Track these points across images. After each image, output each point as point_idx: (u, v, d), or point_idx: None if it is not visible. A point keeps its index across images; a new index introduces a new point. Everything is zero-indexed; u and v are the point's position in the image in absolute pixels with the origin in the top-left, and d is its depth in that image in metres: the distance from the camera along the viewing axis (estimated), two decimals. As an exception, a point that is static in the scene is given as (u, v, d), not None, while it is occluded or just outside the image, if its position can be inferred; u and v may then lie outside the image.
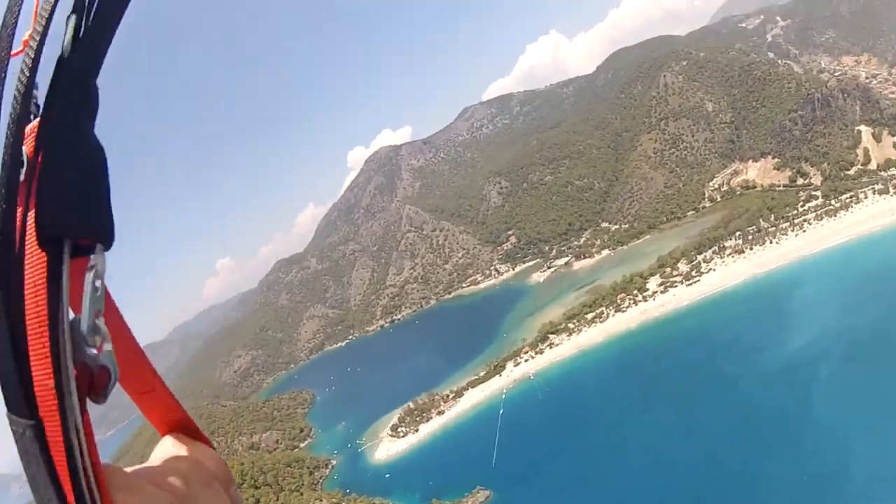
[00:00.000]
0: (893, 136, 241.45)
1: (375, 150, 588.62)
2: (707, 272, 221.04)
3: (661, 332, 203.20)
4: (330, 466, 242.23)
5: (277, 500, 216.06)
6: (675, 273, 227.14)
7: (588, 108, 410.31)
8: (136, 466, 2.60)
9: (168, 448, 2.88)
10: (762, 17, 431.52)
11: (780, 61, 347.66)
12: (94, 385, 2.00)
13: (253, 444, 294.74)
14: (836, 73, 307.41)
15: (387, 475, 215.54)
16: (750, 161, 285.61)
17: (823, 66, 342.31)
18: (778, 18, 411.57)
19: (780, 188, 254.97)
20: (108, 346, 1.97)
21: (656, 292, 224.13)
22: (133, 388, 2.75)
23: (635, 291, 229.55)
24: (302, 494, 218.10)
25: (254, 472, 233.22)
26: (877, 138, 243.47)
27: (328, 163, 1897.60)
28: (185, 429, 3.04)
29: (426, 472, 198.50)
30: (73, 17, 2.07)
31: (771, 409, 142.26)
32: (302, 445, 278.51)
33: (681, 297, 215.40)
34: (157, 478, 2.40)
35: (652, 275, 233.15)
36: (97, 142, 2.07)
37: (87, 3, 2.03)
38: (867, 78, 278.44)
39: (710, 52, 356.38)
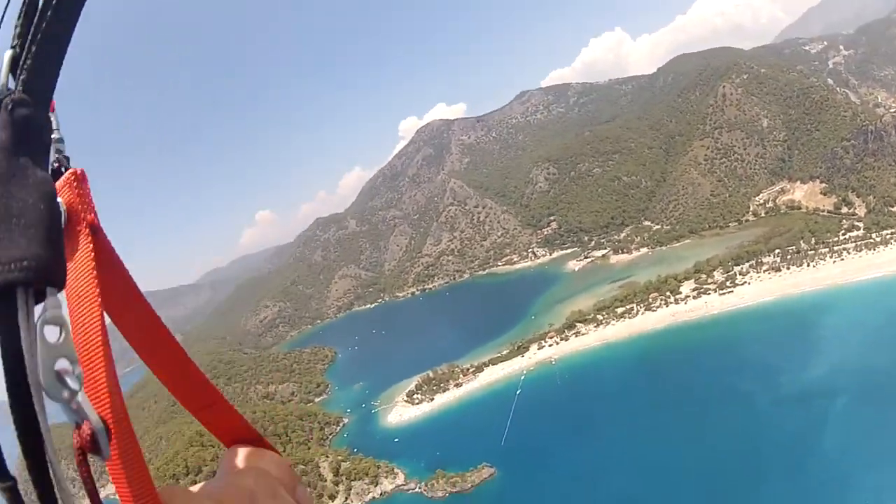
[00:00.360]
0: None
1: (428, 121, 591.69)
2: (741, 284, 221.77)
3: (687, 337, 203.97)
4: (341, 424, 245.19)
5: (283, 451, 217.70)
6: (709, 280, 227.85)
7: (644, 108, 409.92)
8: (201, 484, 2.53)
9: (232, 461, 2.95)
10: (825, 43, 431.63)
11: (838, 89, 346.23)
12: (88, 440, 1.80)
13: (268, 393, 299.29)
14: (892, 110, 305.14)
15: (396, 440, 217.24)
16: (798, 182, 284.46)
17: (880, 100, 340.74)
18: (841, 47, 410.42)
19: (825, 213, 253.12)
20: (79, 398, 1.78)
21: (689, 297, 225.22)
22: (192, 406, 2.91)
23: (668, 293, 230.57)
24: (309, 448, 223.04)
25: (264, 422, 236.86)
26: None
27: (379, 129, 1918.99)
28: (247, 438, 3.14)
29: (435, 442, 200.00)
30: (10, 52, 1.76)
31: (780, 432, 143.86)
32: (316, 400, 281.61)
33: (712, 304, 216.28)
34: (222, 495, 2.41)
35: (687, 279, 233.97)
36: (43, 176, 1.87)
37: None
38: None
39: (772, 70, 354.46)
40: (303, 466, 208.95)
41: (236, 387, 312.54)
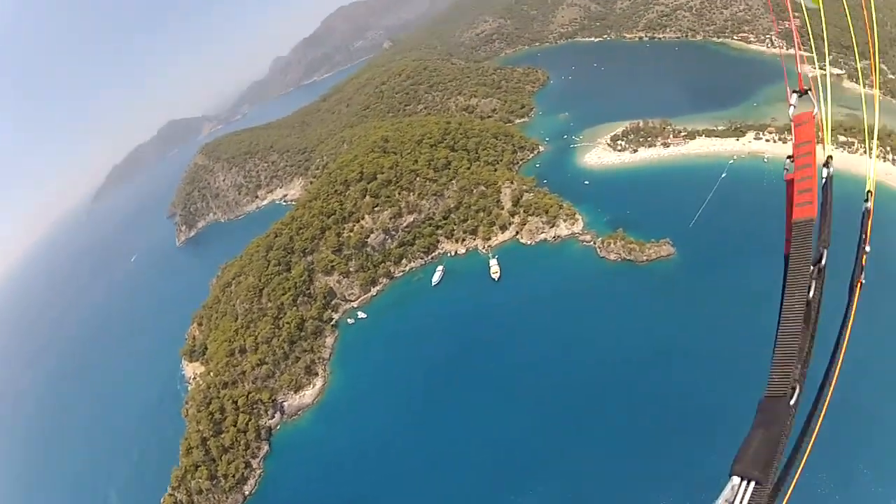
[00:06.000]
0: None
1: None
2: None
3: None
4: (536, 152, 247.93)
5: (469, 168, 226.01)
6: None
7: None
8: None
9: None
10: None
11: None
12: None
13: (468, 106, 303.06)
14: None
15: (586, 182, 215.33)
16: None
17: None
18: None
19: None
20: None
21: None
22: None
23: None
24: (495, 171, 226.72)
25: (457, 135, 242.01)
26: None
27: None
28: None
29: (624, 199, 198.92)
30: None
31: None
32: (517, 122, 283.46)
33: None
34: None
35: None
36: None
37: None
38: None
39: None
40: (483, 188, 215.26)
41: (436, 95, 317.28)
